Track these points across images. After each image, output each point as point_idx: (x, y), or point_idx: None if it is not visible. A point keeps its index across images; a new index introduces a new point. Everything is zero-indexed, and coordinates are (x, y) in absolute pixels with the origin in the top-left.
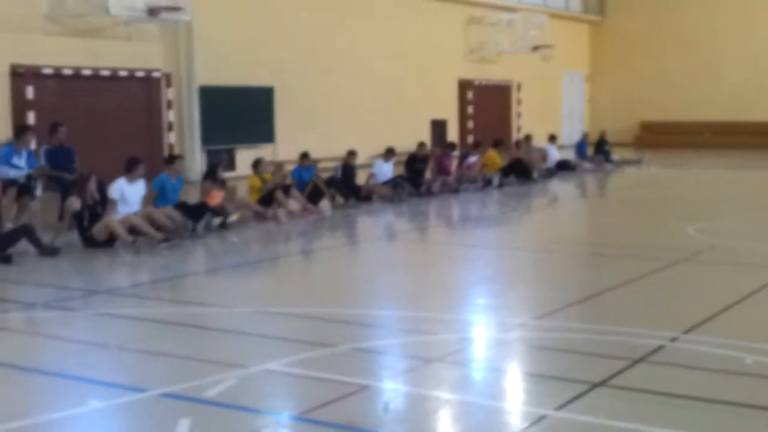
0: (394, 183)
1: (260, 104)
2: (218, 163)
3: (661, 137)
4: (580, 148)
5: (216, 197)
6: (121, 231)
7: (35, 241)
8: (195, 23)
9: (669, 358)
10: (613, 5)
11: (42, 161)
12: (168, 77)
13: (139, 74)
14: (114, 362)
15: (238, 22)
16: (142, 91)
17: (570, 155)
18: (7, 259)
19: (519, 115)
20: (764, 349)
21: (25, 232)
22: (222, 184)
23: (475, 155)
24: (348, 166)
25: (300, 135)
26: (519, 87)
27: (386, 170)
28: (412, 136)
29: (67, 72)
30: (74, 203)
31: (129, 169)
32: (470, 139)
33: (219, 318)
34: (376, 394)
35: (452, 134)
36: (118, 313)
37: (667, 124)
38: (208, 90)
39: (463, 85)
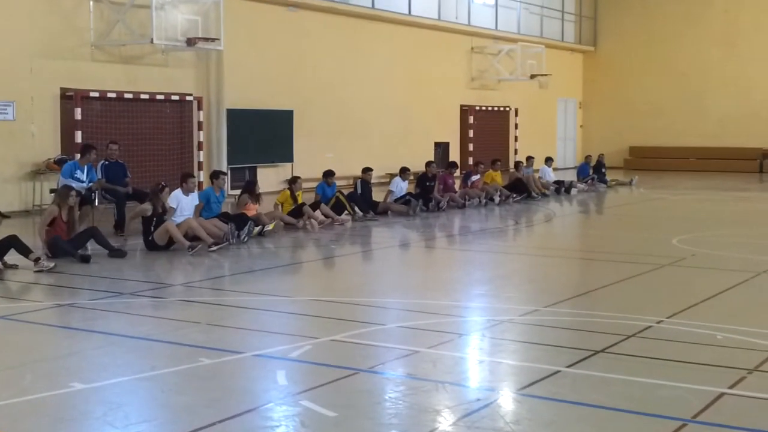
0: (405, 199)
1: (281, 126)
2: (254, 179)
3: (649, 161)
4: (582, 169)
5: (252, 209)
6: (179, 235)
7: (103, 242)
8: (225, 52)
9: (655, 334)
10: (605, 37)
11: (100, 175)
12: (199, 101)
13: (174, 98)
14: (208, 333)
15: (263, 52)
16: (175, 113)
17: (570, 176)
18: (86, 259)
19: (516, 138)
20: (731, 329)
21: (93, 234)
22: (258, 197)
23: (478, 174)
24: (365, 182)
25: (317, 155)
26: (516, 112)
27: (403, 187)
28: (418, 156)
29: (111, 95)
30: (146, 209)
31: (183, 182)
32: (470, 160)
33: (283, 304)
34: (425, 356)
35: (454, 155)
36: (197, 300)
37: (654, 149)
38: (235, 112)
39: (465, 110)
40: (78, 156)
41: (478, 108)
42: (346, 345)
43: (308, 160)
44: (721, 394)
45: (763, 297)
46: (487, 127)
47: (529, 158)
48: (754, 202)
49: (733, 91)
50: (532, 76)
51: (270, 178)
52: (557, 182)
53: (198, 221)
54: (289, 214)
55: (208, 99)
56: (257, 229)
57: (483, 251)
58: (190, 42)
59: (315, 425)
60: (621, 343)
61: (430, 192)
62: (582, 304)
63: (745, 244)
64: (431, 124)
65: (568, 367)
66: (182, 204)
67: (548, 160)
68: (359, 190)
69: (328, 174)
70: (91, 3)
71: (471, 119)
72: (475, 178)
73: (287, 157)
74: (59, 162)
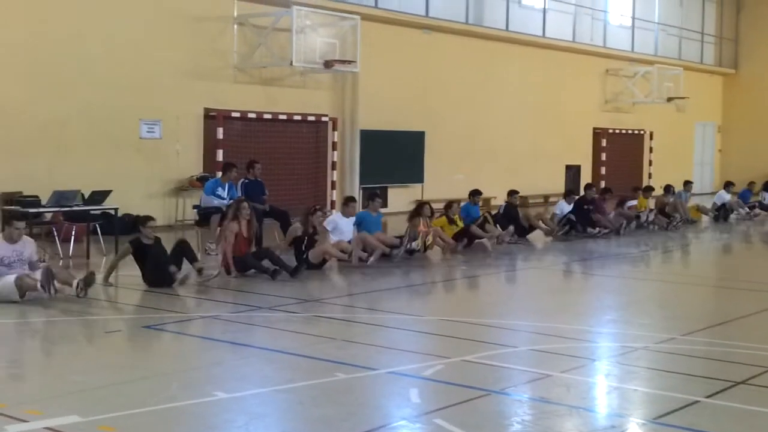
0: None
1: (412, 147)
2: (425, 202)
3: None
4: (744, 195)
5: (422, 229)
6: (334, 251)
7: (278, 262)
8: (360, 74)
9: None
10: (746, 59)
11: (239, 193)
12: (334, 121)
13: (310, 118)
14: (343, 349)
15: (397, 74)
16: (311, 134)
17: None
18: (277, 273)
19: (651, 162)
20: None
21: (267, 254)
22: (429, 218)
23: (634, 200)
24: (511, 205)
25: (446, 176)
26: (651, 136)
27: (566, 210)
28: (548, 180)
29: (251, 115)
30: (297, 229)
31: (345, 205)
32: (602, 183)
33: (415, 323)
34: (557, 380)
35: (585, 179)
36: (333, 316)
37: None
38: (368, 133)
39: (598, 133)
40: (219, 174)
41: (611, 131)
42: (477, 366)
43: (437, 182)
44: None
45: None
46: (621, 151)
47: (687, 183)
48: None
49: None
50: (669, 99)
51: (400, 199)
52: (718, 208)
53: (363, 236)
54: (454, 237)
55: (342, 120)
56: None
57: (619, 276)
58: (328, 64)
59: None
60: (764, 375)
61: (588, 215)
62: (720, 334)
63: None
64: (563, 146)
65: (707, 397)
66: (340, 226)
67: (687, 184)
68: (502, 212)
69: (475, 193)
70: (236, 26)
71: (604, 142)
72: (631, 203)
73: (417, 178)
74: (201, 179)
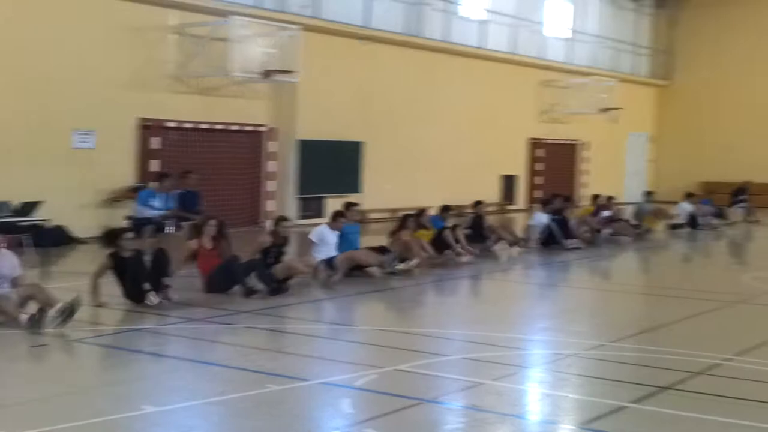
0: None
1: (350, 157)
2: (410, 214)
3: (721, 197)
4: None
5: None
6: (301, 268)
7: (264, 277)
8: (298, 84)
9: (724, 372)
10: (679, 71)
11: (174, 203)
12: (272, 131)
13: (248, 128)
14: (275, 360)
15: (336, 84)
16: (249, 144)
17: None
18: (253, 292)
19: (585, 172)
20: None
21: (255, 267)
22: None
23: (610, 210)
24: (477, 216)
25: (383, 186)
26: (586, 146)
27: (543, 221)
28: (484, 189)
29: (188, 125)
30: (265, 240)
31: (334, 219)
32: (536, 193)
33: (349, 333)
34: (489, 388)
35: (521, 188)
36: (266, 327)
37: (726, 185)
38: (306, 143)
39: (534, 143)
40: (154, 184)
41: (546, 141)
42: (410, 375)
43: (376, 192)
44: None
45: None
46: (556, 161)
47: (648, 193)
48: None
49: None
50: (603, 110)
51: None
52: (687, 219)
53: (351, 254)
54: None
55: (280, 130)
56: (401, 265)
57: (556, 285)
58: (267, 74)
59: None
60: (688, 380)
61: (566, 227)
62: (648, 340)
63: None
64: (499, 156)
65: (634, 402)
66: (326, 239)
67: (648, 194)
68: (469, 223)
69: (445, 209)
70: (172, 36)
71: (539, 152)
72: (606, 214)
73: (355, 188)
74: (135, 190)
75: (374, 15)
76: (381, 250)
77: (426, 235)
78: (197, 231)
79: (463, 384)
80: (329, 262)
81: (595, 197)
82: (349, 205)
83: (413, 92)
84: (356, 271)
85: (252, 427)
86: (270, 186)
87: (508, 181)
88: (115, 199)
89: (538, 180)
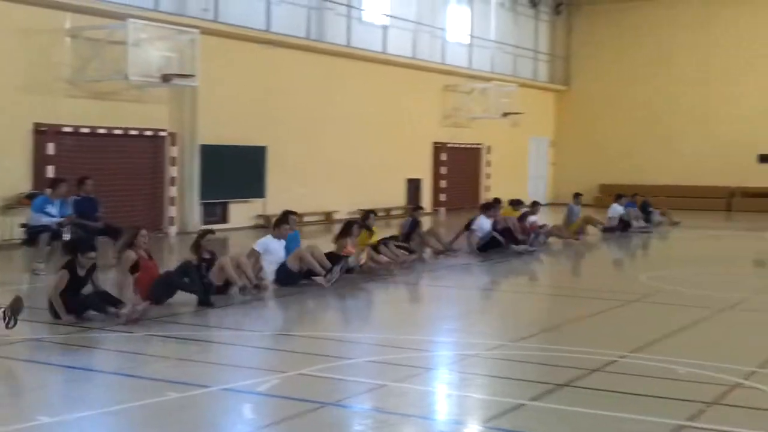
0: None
1: (254, 162)
2: (353, 221)
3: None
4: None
5: (350, 250)
6: (231, 273)
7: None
8: (199, 88)
9: (619, 369)
10: (577, 76)
11: (70, 210)
12: (173, 136)
13: (148, 133)
14: (177, 368)
15: (237, 88)
16: (149, 149)
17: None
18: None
19: (488, 176)
20: (693, 363)
21: (186, 272)
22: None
23: (535, 216)
24: (415, 221)
25: (289, 191)
26: (489, 150)
27: (486, 227)
28: (389, 193)
29: (85, 130)
30: (191, 260)
31: (276, 227)
32: (442, 197)
33: (254, 339)
34: (392, 390)
35: (426, 192)
36: (168, 335)
37: (624, 187)
38: (208, 148)
39: (438, 148)
40: (49, 190)
41: (450, 145)
42: (313, 379)
43: (280, 196)
44: (681, 427)
45: (723, 333)
46: (459, 165)
47: (577, 195)
48: (722, 240)
49: (702, 131)
50: (505, 114)
51: (242, 214)
52: (620, 222)
53: (300, 253)
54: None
55: (181, 135)
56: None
57: (456, 287)
58: (166, 78)
59: None
60: (585, 377)
61: (511, 232)
62: (548, 339)
63: (710, 282)
64: (404, 160)
65: (533, 400)
66: (271, 249)
67: (577, 196)
68: (407, 229)
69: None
70: (68, 39)
71: (443, 156)
72: (533, 219)
73: (259, 192)
74: (30, 197)
75: (276, 19)
76: (331, 258)
77: (368, 238)
78: (129, 244)
79: (367, 386)
80: (281, 272)
81: (515, 202)
82: (287, 214)
83: (317, 97)
84: (304, 279)
85: None
86: (172, 192)
87: (414, 185)
88: (10, 206)
89: (443, 183)
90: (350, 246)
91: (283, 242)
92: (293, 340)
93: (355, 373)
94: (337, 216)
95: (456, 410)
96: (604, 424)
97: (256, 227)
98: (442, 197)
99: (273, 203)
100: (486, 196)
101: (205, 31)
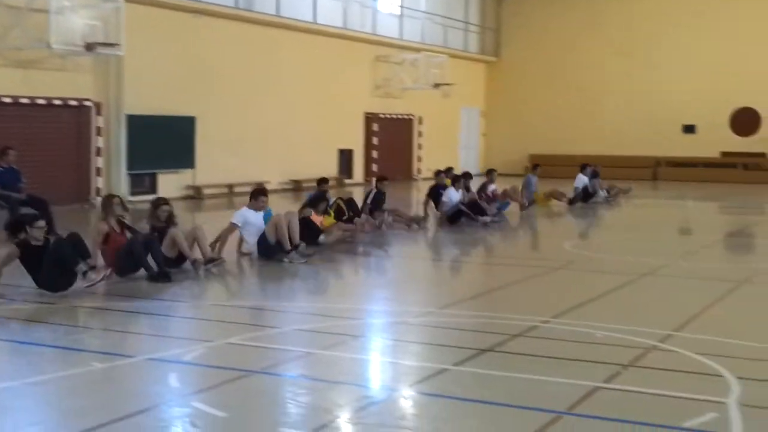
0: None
1: (182, 132)
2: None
3: (548, 169)
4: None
5: (316, 218)
6: (184, 246)
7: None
8: (125, 57)
9: (540, 333)
10: (507, 47)
11: None
12: (98, 106)
13: (72, 103)
14: (101, 338)
15: (165, 58)
16: (74, 119)
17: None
18: (166, 275)
19: (420, 146)
20: (611, 327)
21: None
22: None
23: (493, 184)
24: (379, 192)
25: (218, 162)
26: (420, 121)
27: (454, 198)
28: (321, 164)
29: (6, 100)
30: (143, 229)
31: (253, 199)
32: (375, 167)
33: (183, 309)
34: (319, 357)
35: (358, 163)
36: (94, 306)
37: (553, 157)
38: (135, 118)
39: (369, 118)
40: None
41: (382, 116)
42: (241, 348)
43: (210, 167)
44: (597, 389)
45: (643, 298)
46: (391, 135)
47: (536, 166)
48: (646, 209)
49: (628, 101)
50: (436, 85)
51: (171, 185)
52: (582, 192)
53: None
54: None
55: (107, 104)
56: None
57: (402, 257)
58: (90, 47)
59: (205, 425)
60: (507, 342)
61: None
62: (474, 306)
63: (632, 249)
64: (336, 131)
65: (455, 365)
66: (250, 221)
67: (535, 168)
68: (370, 200)
69: (324, 181)
70: None
71: (375, 127)
72: (492, 187)
73: (189, 163)
74: None
75: None
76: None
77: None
78: (104, 212)
79: (294, 354)
80: (261, 245)
81: (451, 172)
82: (263, 188)
83: (247, 67)
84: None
85: (74, 406)
86: (98, 162)
87: (346, 156)
88: None
89: (375, 154)
90: (315, 215)
91: (261, 214)
92: (225, 310)
93: (283, 341)
94: (268, 187)
95: (381, 376)
96: (523, 387)
97: (185, 198)
98: (374, 168)
99: (203, 174)
100: (418, 167)
101: (131, 0)
